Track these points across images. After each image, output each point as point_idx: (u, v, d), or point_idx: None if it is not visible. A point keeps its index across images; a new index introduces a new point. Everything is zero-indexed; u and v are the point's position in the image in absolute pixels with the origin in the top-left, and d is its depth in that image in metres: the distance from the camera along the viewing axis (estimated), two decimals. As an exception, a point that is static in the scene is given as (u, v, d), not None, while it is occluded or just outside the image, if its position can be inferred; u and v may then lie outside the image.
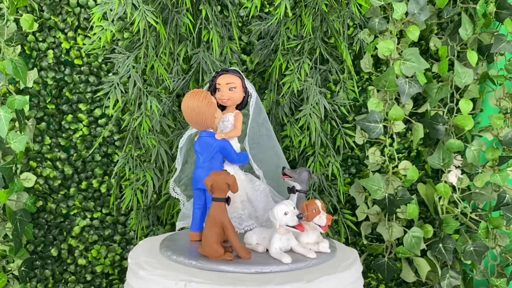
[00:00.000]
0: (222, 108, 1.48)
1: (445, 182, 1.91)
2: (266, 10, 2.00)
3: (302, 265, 1.25)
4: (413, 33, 1.83)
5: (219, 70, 1.49)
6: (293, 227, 1.26)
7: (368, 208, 1.99)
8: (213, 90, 1.47)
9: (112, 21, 1.71)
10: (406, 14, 1.81)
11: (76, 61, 1.97)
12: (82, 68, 1.98)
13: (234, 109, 1.48)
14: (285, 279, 1.17)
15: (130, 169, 1.83)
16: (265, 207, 1.45)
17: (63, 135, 2.00)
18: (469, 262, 1.94)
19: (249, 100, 1.48)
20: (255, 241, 1.34)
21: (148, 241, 1.47)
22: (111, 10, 1.68)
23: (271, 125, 1.59)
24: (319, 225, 1.32)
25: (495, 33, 1.87)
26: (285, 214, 1.26)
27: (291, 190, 1.49)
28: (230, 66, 1.89)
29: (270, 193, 1.50)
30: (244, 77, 1.48)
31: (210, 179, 1.26)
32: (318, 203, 1.32)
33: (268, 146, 1.56)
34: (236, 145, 1.45)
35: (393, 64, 1.83)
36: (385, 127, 1.87)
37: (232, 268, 1.21)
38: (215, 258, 1.24)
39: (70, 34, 1.95)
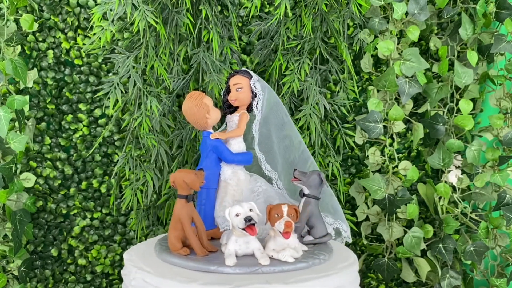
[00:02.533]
0: (235, 109, 1.50)
1: (445, 182, 1.91)
2: (266, 10, 2.00)
3: (247, 270, 1.21)
4: (413, 33, 1.83)
5: (232, 72, 1.52)
6: (243, 229, 1.23)
7: (368, 208, 1.99)
8: (226, 92, 1.50)
9: (112, 21, 1.71)
10: (406, 14, 1.81)
11: (76, 61, 1.97)
12: (82, 68, 1.98)
13: (244, 109, 1.49)
14: (212, 280, 1.17)
15: (130, 169, 1.83)
16: (262, 209, 1.44)
17: (63, 135, 2.00)
18: (469, 262, 1.94)
19: (253, 100, 1.49)
20: (224, 241, 1.35)
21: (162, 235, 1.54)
22: (111, 10, 1.68)
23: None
24: (280, 232, 1.25)
25: (495, 33, 1.87)
26: (237, 215, 1.23)
27: (300, 193, 1.44)
28: (230, 66, 1.90)
29: (278, 195, 1.48)
30: (252, 77, 1.48)
31: (173, 176, 1.30)
32: (284, 208, 1.26)
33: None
34: (239, 145, 1.46)
35: (393, 64, 1.82)
36: (385, 127, 1.87)
37: (180, 262, 1.26)
38: (173, 251, 1.30)
39: (70, 34, 1.95)
